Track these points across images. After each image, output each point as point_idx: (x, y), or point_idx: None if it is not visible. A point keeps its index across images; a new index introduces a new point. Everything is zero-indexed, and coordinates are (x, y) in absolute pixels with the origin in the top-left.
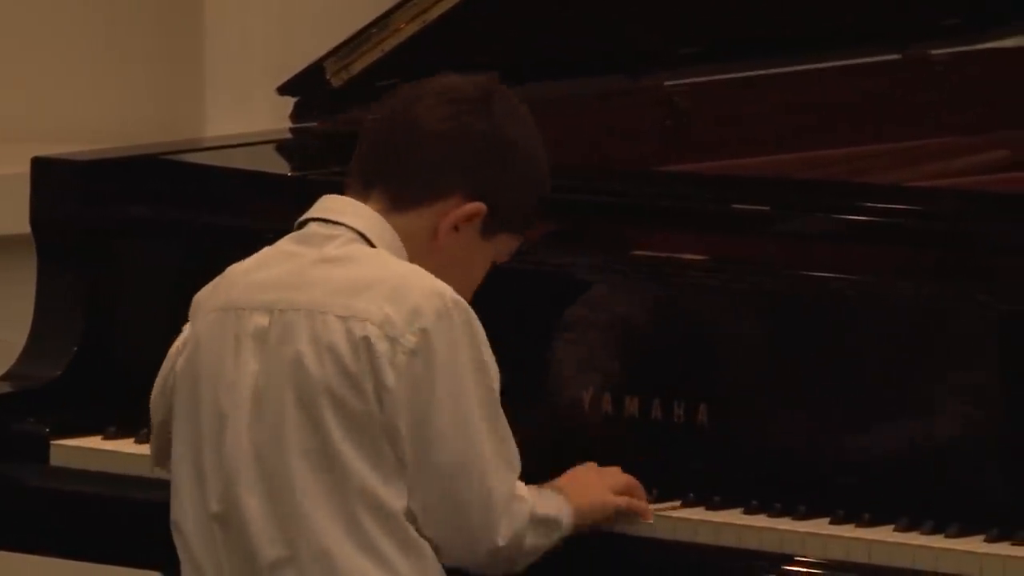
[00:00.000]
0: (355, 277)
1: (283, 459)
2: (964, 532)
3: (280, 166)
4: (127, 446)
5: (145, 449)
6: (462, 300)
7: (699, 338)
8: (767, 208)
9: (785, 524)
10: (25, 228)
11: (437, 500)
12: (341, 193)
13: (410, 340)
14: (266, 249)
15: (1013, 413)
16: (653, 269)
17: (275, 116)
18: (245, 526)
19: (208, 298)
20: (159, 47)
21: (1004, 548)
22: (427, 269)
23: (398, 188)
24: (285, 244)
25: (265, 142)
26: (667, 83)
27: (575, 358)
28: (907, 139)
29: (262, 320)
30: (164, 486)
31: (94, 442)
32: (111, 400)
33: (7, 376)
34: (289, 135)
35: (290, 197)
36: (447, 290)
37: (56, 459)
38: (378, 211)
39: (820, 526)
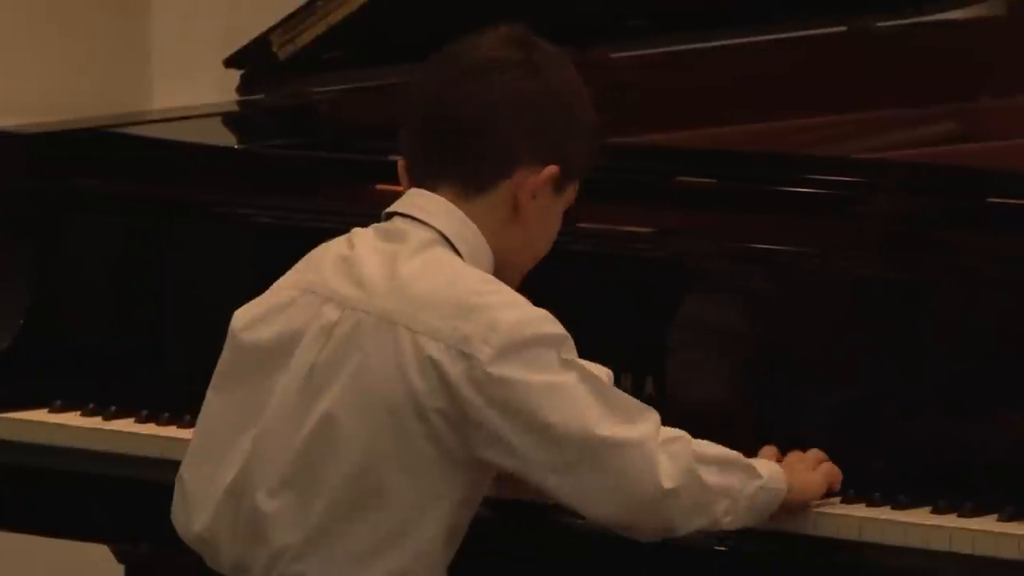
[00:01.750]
0: (430, 289)
1: (321, 457)
2: (912, 504)
3: (227, 138)
4: (74, 419)
5: (91, 422)
6: (540, 310)
7: (645, 310)
8: (712, 180)
9: None
10: None
11: (590, 483)
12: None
13: (487, 353)
14: (354, 234)
15: (956, 386)
16: (598, 241)
17: (222, 88)
18: (256, 504)
19: (291, 276)
20: (104, 19)
21: (951, 520)
22: (513, 243)
23: (469, 176)
24: (371, 237)
25: (212, 115)
26: (613, 55)
27: None
28: (853, 111)
29: (332, 313)
30: (111, 460)
31: (40, 415)
32: (58, 373)
33: None
34: (236, 107)
35: (237, 169)
36: (522, 302)
37: (2, 432)
38: (452, 202)
39: None
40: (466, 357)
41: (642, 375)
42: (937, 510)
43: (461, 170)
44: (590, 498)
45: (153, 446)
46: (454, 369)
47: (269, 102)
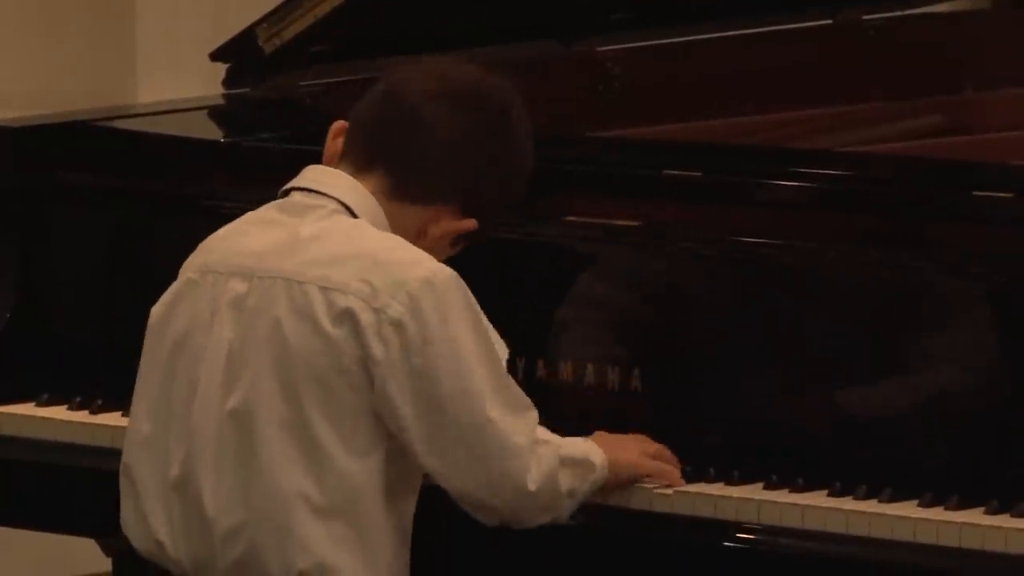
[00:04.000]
0: (336, 249)
1: (254, 427)
2: (897, 497)
3: (213, 132)
4: (61, 413)
5: (79, 416)
6: (447, 268)
7: (631, 303)
8: (699, 174)
9: (719, 490)
10: None
11: (459, 459)
12: (326, 163)
13: (396, 309)
14: (246, 215)
15: (942, 378)
16: (585, 235)
17: (208, 82)
18: (201, 492)
19: (187, 263)
20: (90, 13)
21: (937, 513)
22: None
23: (401, 179)
24: (266, 212)
25: (198, 108)
26: (599, 49)
27: (507, 324)
28: (840, 104)
29: (240, 286)
30: (98, 453)
31: (28, 409)
32: (45, 367)
33: None
34: (222, 101)
35: (223, 163)
36: (428, 258)
37: None
38: (373, 190)
39: (754, 491)
40: (375, 311)
41: (629, 368)
42: (923, 504)
43: (395, 171)
44: (454, 473)
45: None
46: (366, 320)
47: (255, 96)
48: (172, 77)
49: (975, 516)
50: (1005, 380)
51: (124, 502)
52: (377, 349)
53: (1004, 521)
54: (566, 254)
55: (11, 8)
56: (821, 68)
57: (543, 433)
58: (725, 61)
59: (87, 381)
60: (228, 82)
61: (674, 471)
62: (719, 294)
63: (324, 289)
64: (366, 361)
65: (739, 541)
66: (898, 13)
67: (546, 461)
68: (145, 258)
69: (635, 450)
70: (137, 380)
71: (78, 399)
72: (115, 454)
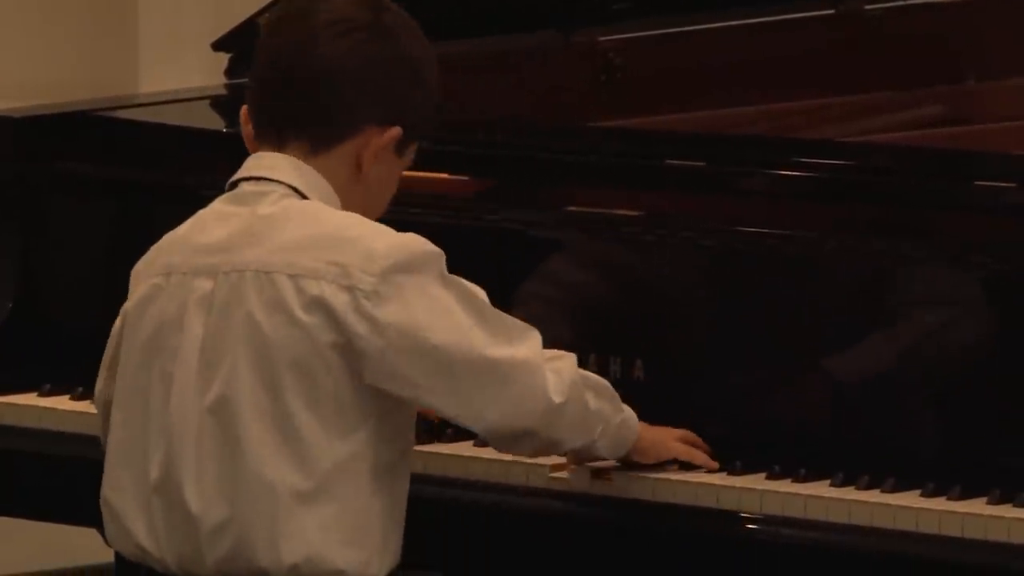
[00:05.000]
0: (298, 233)
1: (235, 419)
2: (900, 487)
3: (214, 122)
4: (63, 403)
5: (81, 406)
6: (411, 234)
7: (634, 293)
8: (702, 164)
9: (721, 480)
10: None
11: (478, 397)
12: (248, 147)
13: (368, 281)
14: (200, 213)
15: (945, 369)
16: (587, 225)
17: (210, 72)
18: (183, 490)
19: (147, 267)
20: (92, 3)
21: (940, 503)
22: (355, 201)
23: (314, 132)
24: (219, 206)
25: (199, 98)
26: (601, 38)
27: (509, 314)
28: (842, 94)
29: (206, 284)
30: (100, 443)
31: (30, 399)
32: (46, 357)
33: None
34: (224, 91)
35: (224, 153)
36: (389, 230)
37: None
38: (300, 158)
39: (756, 481)
40: (348, 289)
41: (632, 358)
42: (926, 494)
43: (307, 127)
44: (481, 415)
45: None
46: (339, 303)
47: None
48: (174, 67)
49: (977, 506)
50: (1008, 370)
51: (106, 520)
52: (360, 327)
53: (1006, 511)
54: (567, 244)
55: None
56: (823, 58)
57: (557, 351)
58: (727, 51)
59: (89, 372)
60: (230, 72)
61: (705, 456)
62: (721, 284)
63: (293, 276)
64: (347, 344)
65: (741, 531)
66: (900, 2)
67: (566, 372)
68: (146, 248)
69: (665, 434)
70: (115, 388)
71: (80, 389)
72: None
